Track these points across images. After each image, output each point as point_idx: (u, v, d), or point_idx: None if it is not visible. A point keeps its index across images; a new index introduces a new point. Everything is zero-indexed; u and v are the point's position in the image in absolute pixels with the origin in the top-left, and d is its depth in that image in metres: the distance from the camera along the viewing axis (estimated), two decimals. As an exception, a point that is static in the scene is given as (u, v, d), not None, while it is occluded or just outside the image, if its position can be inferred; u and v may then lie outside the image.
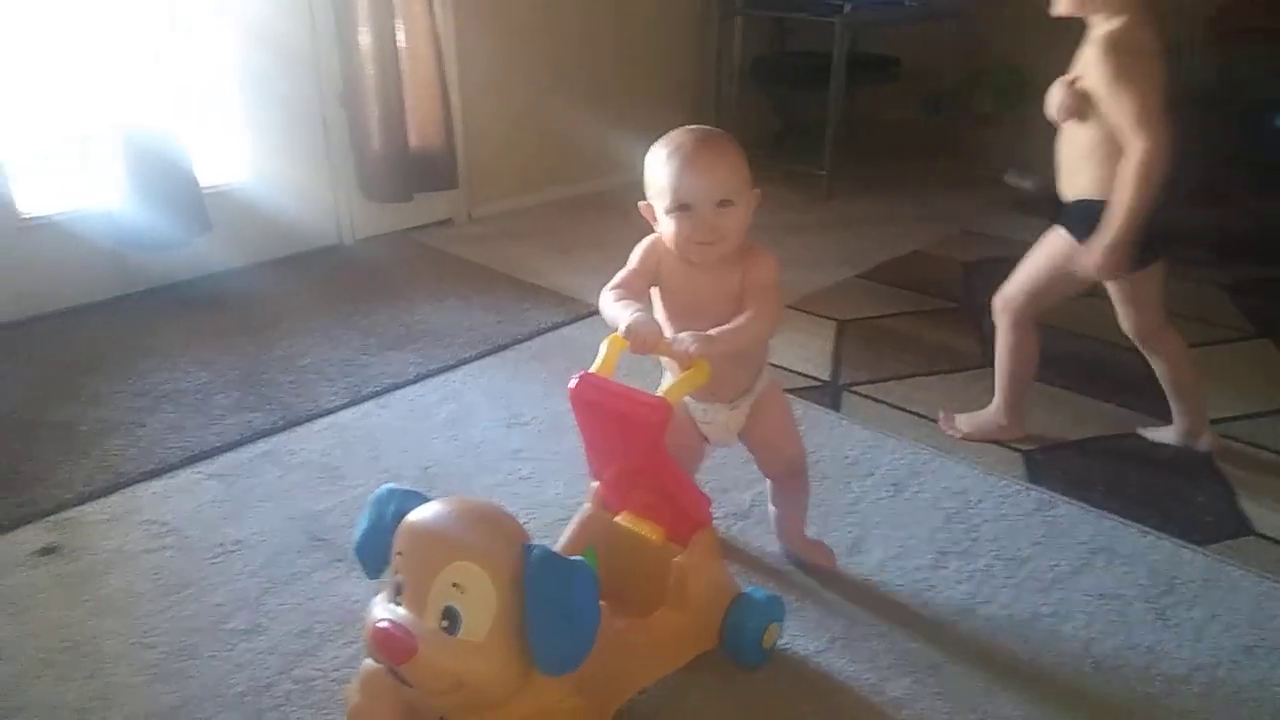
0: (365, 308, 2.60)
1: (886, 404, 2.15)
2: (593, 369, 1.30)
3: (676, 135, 1.34)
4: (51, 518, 1.70)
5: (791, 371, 2.28)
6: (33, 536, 1.66)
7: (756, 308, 1.32)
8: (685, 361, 1.26)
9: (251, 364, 2.26)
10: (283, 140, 2.85)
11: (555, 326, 2.51)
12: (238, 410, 2.06)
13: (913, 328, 2.57)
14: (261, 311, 2.45)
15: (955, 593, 1.55)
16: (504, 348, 2.39)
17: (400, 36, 2.86)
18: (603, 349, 1.32)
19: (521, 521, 1.12)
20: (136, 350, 2.32)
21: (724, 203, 1.30)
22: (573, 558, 1.07)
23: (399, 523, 1.07)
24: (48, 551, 1.62)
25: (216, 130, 2.76)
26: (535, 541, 1.07)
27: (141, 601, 1.51)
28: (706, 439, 1.52)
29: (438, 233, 3.22)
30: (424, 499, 1.11)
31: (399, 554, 1.06)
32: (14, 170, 2.40)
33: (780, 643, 1.44)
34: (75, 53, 2.36)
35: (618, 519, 1.35)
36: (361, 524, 1.14)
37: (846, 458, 1.92)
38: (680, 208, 1.31)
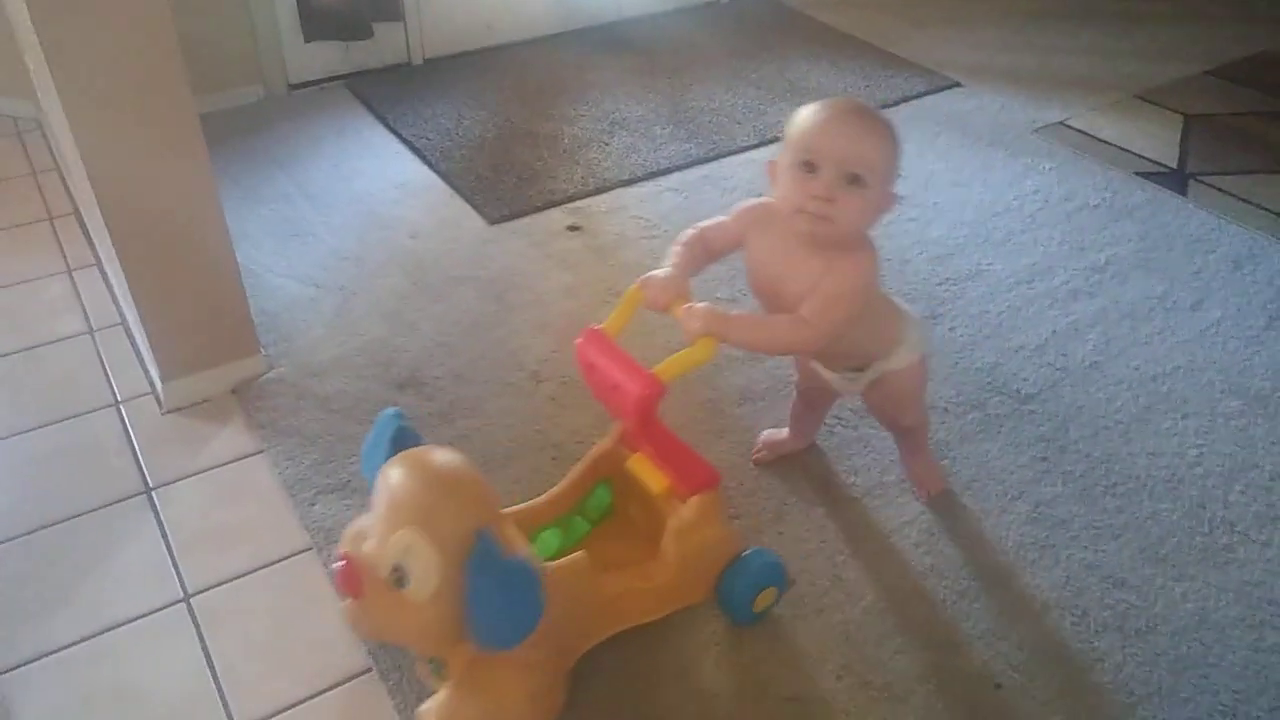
0: (752, 62, 3.02)
1: (1231, 195, 2.42)
2: (606, 322, 1.24)
3: (837, 98, 1.22)
4: (568, 205, 2.33)
5: (1140, 157, 2.56)
6: (561, 216, 2.29)
7: (808, 312, 1.19)
8: (689, 335, 1.17)
9: (673, 103, 2.77)
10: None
11: (919, 95, 2.87)
12: (674, 140, 2.59)
13: (1261, 127, 2.76)
14: (669, 58, 2.90)
15: (1282, 349, 1.94)
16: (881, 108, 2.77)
17: None
18: (621, 300, 1.25)
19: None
20: (583, 82, 2.87)
21: (854, 178, 1.15)
22: (516, 559, 1.05)
23: (391, 453, 1.10)
24: (574, 229, 2.25)
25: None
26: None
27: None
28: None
29: (800, -5, 3.53)
30: (417, 440, 1.13)
31: (375, 493, 1.08)
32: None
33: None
34: None
35: (631, 461, 1.31)
36: (368, 437, 1.16)
37: (1190, 235, 2.25)
38: (804, 164, 1.16)
